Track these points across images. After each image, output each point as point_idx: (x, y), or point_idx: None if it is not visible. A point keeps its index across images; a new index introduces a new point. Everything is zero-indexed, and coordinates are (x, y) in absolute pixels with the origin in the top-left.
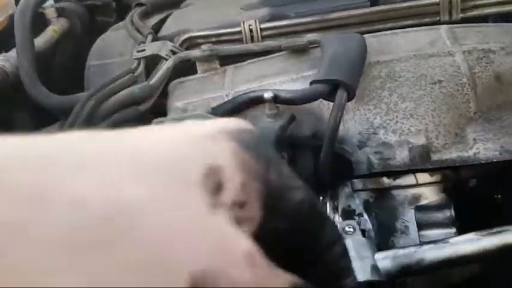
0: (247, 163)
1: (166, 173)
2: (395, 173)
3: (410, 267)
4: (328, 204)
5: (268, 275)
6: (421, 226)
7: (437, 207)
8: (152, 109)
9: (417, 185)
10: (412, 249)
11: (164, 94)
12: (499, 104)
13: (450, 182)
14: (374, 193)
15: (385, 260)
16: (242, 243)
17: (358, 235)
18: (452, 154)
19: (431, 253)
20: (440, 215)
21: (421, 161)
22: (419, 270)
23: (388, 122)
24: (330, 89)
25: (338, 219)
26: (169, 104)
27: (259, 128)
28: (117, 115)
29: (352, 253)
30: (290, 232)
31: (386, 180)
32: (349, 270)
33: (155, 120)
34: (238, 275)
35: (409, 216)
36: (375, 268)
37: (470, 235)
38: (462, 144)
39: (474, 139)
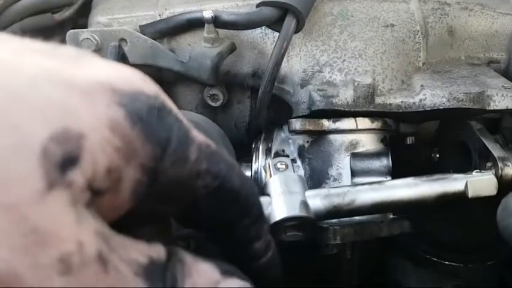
0: (127, 142)
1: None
2: (336, 116)
3: (341, 208)
4: (261, 146)
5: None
6: (355, 173)
7: (374, 154)
8: (72, 23)
9: (357, 130)
10: (345, 188)
11: (87, 12)
12: (448, 59)
13: (389, 132)
14: (311, 136)
15: (316, 197)
16: (70, 237)
17: (290, 171)
18: (396, 99)
19: (365, 195)
20: (376, 162)
21: (365, 103)
22: (351, 210)
23: (335, 60)
24: (278, 14)
25: (269, 160)
26: (91, 18)
27: (194, 53)
28: (28, 20)
29: (282, 188)
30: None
31: (325, 122)
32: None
33: (70, 31)
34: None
35: (344, 163)
36: (304, 204)
37: (409, 180)
38: (408, 91)
39: (422, 85)
